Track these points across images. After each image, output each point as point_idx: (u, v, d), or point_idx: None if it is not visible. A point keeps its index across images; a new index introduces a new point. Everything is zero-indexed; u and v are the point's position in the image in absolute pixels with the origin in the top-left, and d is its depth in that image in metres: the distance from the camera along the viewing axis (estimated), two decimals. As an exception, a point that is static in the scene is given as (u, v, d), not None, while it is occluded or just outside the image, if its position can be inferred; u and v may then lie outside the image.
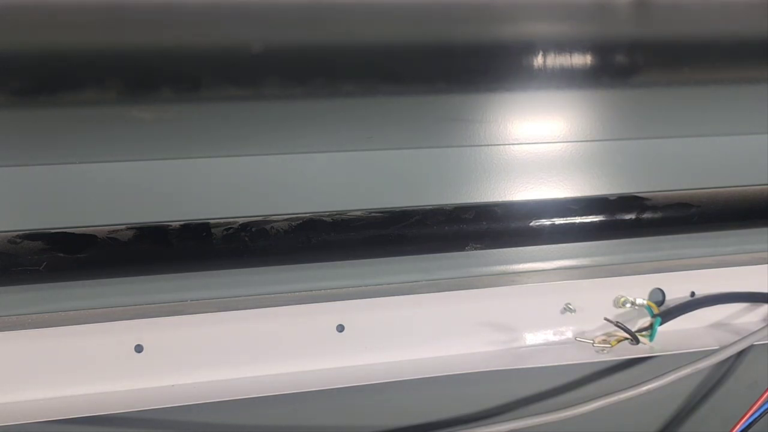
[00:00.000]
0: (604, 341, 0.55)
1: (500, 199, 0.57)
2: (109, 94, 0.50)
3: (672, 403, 0.63)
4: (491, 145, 0.57)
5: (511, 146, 0.57)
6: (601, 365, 0.59)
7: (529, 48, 0.56)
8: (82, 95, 0.49)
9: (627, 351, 0.55)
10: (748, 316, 0.61)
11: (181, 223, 0.48)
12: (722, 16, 0.60)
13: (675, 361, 0.52)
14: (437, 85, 0.56)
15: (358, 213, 0.51)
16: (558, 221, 0.54)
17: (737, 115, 0.62)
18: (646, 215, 0.55)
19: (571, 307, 0.56)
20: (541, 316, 0.56)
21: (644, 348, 0.55)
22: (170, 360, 0.50)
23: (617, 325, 0.54)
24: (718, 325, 0.60)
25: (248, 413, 0.53)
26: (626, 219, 0.55)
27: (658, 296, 0.59)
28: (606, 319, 0.55)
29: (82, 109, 0.50)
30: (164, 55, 0.50)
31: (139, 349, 0.49)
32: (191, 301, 0.52)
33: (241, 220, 0.49)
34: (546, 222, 0.54)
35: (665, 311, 0.57)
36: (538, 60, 0.56)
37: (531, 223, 0.53)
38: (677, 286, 0.59)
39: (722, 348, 0.53)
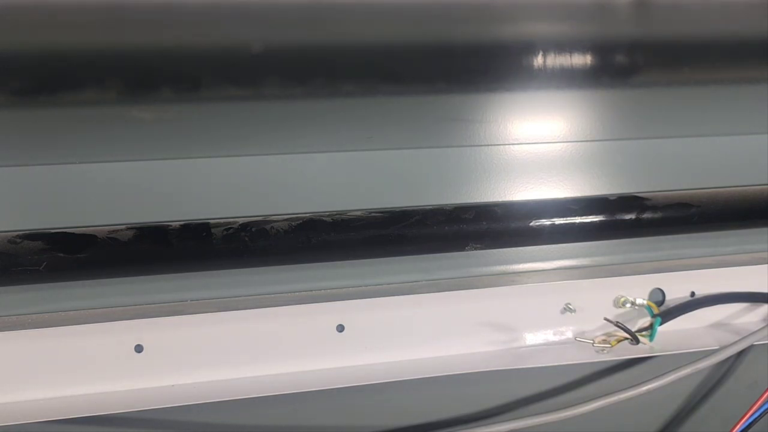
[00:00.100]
0: (604, 341, 0.55)
1: (500, 199, 0.57)
2: (109, 94, 0.50)
3: (672, 403, 0.63)
4: (491, 145, 0.57)
5: (511, 146, 0.57)
6: (601, 365, 0.59)
7: (529, 48, 0.56)
8: (82, 95, 0.49)
9: (627, 351, 0.55)
10: (748, 316, 0.61)
11: (181, 223, 0.48)
12: (722, 16, 0.60)
13: (675, 361, 0.52)
14: (437, 85, 0.56)
15: (358, 213, 0.51)
16: (558, 221, 0.54)
17: (737, 115, 0.62)
18: (646, 215, 0.55)
19: (571, 307, 0.56)
20: (541, 316, 0.56)
21: (644, 348, 0.55)
22: (170, 360, 0.50)
23: (617, 325, 0.54)
24: (718, 325, 0.60)
25: (248, 413, 0.53)
26: (626, 219, 0.55)
27: (658, 296, 0.59)
28: (606, 319, 0.55)
29: (82, 109, 0.50)
30: (164, 55, 0.50)
31: (139, 349, 0.49)
32: (191, 301, 0.52)
33: (241, 220, 0.49)
34: (546, 222, 0.54)
35: (665, 311, 0.57)
36: (538, 60, 0.56)
37: (531, 223, 0.53)
38: (677, 286, 0.59)
39: (722, 348, 0.53)
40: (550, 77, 0.57)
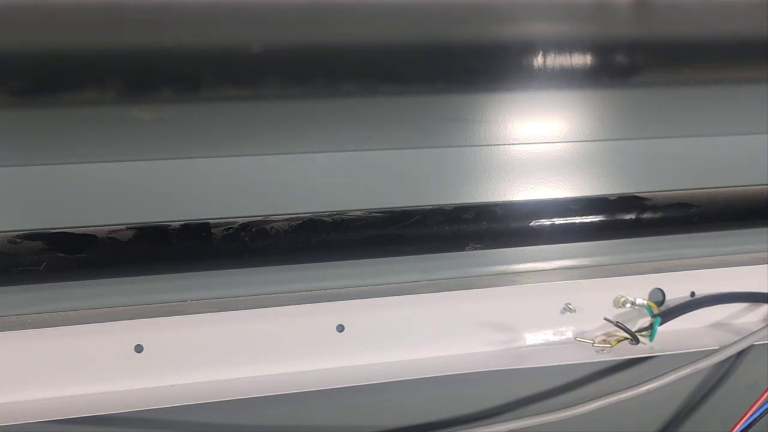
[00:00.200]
0: (604, 341, 0.55)
1: (500, 199, 0.57)
2: (109, 94, 0.50)
3: (672, 403, 0.63)
4: (491, 145, 0.57)
5: (511, 146, 0.57)
6: (601, 365, 0.59)
7: (529, 48, 0.56)
8: (82, 95, 0.49)
9: (627, 351, 0.55)
10: (748, 316, 0.61)
11: (181, 223, 0.48)
12: (722, 16, 0.60)
13: (675, 361, 0.52)
14: (437, 85, 0.56)
15: (358, 213, 0.51)
16: (558, 221, 0.54)
17: (737, 115, 0.62)
18: (646, 215, 0.55)
19: (571, 307, 0.56)
20: (541, 316, 0.56)
21: (644, 348, 0.55)
22: (170, 360, 0.50)
23: (617, 325, 0.54)
24: (718, 325, 0.60)
25: (248, 413, 0.53)
26: (626, 219, 0.55)
27: (658, 296, 0.59)
28: (606, 319, 0.55)
29: (82, 109, 0.50)
30: (164, 55, 0.50)
31: (139, 349, 0.49)
32: (191, 301, 0.52)
33: (241, 220, 0.49)
34: (546, 222, 0.54)
35: (665, 311, 0.57)
36: (538, 60, 0.56)
37: (531, 223, 0.53)
38: (677, 286, 0.59)
39: (722, 348, 0.53)
40: (550, 77, 0.57)
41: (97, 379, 0.49)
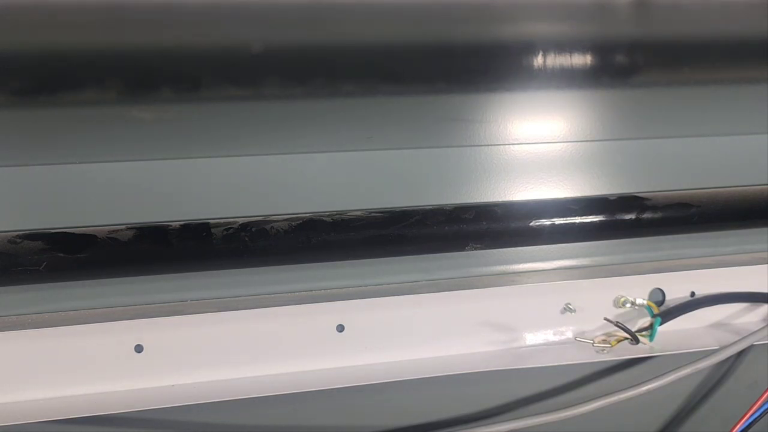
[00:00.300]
0: (604, 341, 0.55)
1: (500, 199, 0.57)
2: (109, 94, 0.50)
3: (672, 403, 0.63)
4: (491, 145, 0.57)
5: (511, 146, 0.57)
6: (601, 365, 0.59)
7: (529, 48, 0.56)
8: (82, 95, 0.49)
9: (627, 351, 0.55)
10: (748, 316, 0.61)
11: (181, 223, 0.48)
12: (722, 16, 0.60)
13: (675, 361, 0.52)
14: (437, 85, 0.56)
15: (358, 213, 0.51)
16: (558, 221, 0.54)
17: (737, 115, 0.62)
18: (646, 215, 0.55)
19: (571, 307, 0.56)
20: (541, 316, 0.56)
21: (644, 348, 0.55)
22: (170, 360, 0.50)
23: (617, 325, 0.54)
24: (718, 325, 0.60)
25: (248, 413, 0.53)
26: (626, 219, 0.55)
27: (658, 296, 0.59)
28: (606, 319, 0.55)
29: (82, 109, 0.50)
30: (164, 55, 0.50)
31: (139, 349, 0.49)
32: (191, 301, 0.52)
33: (241, 220, 0.49)
34: (546, 222, 0.54)
35: (665, 311, 0.57)
36: (538, 60, 0.56)
37: (531, 223, 0.53)
38: (677, 286, 0.59)
39: (722, 348, 0.53)
40: (550, 77, 0.57)
41: (97, 379, 0.49)
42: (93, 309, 0.50)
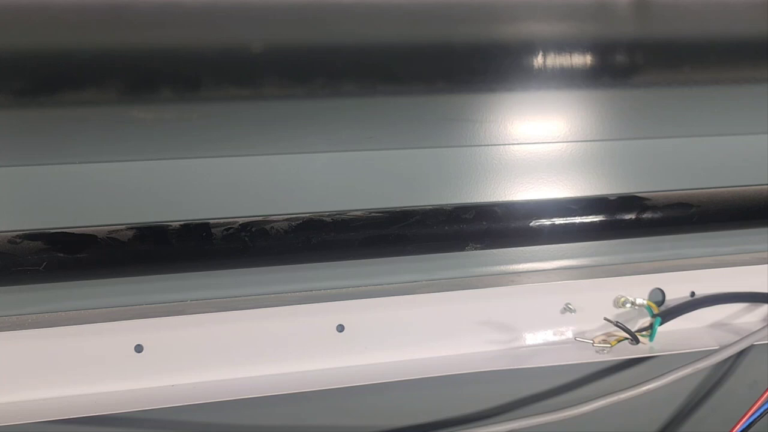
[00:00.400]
0: (604, 341, 0.55)
1: (500, 199, 0.57)
2: (109, 94, 0.50)
3: (672, 403, 0.63)
4: (491, 145, 0.57)
5: (511, 146, 0.57)
6: (601, 365, 0.59)
7: (529, 48, 0.56)
8: (82, 95, 0.49)
9: (627, 351, 0.55)
10: (748, 316, 0.61)
11: (181, 223, 0.48)
12: (722, 16, 0.60)
13: (675, 361, 0.52)
14: (437, 85, 0.56)
15: (358, 213, 0.51)
16: (558, 221, 0.54)
17: (737, 115, 0.62)
18: (646, 215, 0.55)
19: (571, 307, 0.56)
20: (541, 316, 0.56)
21: (644, 348, 0.55)
22: (170, 360, 0.50)
23: (617, 325, 0.54)
24: (718, 325, 0.60)
25: (248, 413, 0.53)
26: (626, 219, 0.55)
27: (658, 296, 0.59)
28: (606, 319, 0.55)
29: (82, 109, 0.50)
30: (164, 55, 0.50)
31: (139, 349, 0.49)
32: (191, 301, 0.52)
33: (241, 220, 0.49)
34: (546, 222, 0.54)
35: (665, 311, 0.57)
36: (538, 60, 0.56)
37: (531, 223, 0.53)
38: (677, 286, 0.59)
39: (722, 348, 0.52)
40: (550, 77, 0.57)
41: (97, 379, 0.49)
42: (93, 309, 0.50)
